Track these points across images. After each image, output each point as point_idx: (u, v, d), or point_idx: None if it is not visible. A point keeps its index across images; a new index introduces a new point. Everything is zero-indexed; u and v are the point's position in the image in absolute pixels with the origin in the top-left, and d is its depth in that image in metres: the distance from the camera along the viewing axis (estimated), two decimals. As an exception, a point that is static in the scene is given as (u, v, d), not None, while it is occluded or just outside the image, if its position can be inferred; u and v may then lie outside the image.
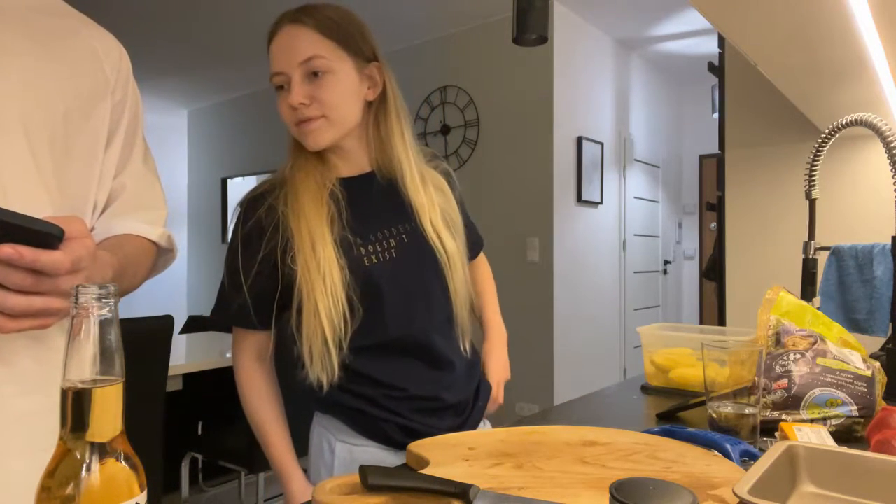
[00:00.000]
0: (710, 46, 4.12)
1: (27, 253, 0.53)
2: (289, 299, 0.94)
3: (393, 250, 0.97)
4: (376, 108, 1.00)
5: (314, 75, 0.92)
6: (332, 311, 0.90)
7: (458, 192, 1.11)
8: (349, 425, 0.98)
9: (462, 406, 1.03)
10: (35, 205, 0.68)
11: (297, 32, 0.92)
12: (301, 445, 1.03)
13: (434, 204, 1.02)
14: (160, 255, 0.89)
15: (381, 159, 1.01)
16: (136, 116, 0.85)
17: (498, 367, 1.14)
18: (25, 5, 0.73)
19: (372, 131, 1.01)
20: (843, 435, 0.85)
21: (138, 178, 0.85)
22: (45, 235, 0.54)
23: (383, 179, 1.01)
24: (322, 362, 0.92)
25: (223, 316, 0.99)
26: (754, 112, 2.05)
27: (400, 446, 0.95)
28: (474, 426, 1.05)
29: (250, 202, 0.99)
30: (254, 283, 0.95)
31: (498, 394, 1.11)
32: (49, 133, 0.71)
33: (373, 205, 0.99)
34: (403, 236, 0.99)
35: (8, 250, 0.52)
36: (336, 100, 0.93)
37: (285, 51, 0.92)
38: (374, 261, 0.95)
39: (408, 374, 0.97)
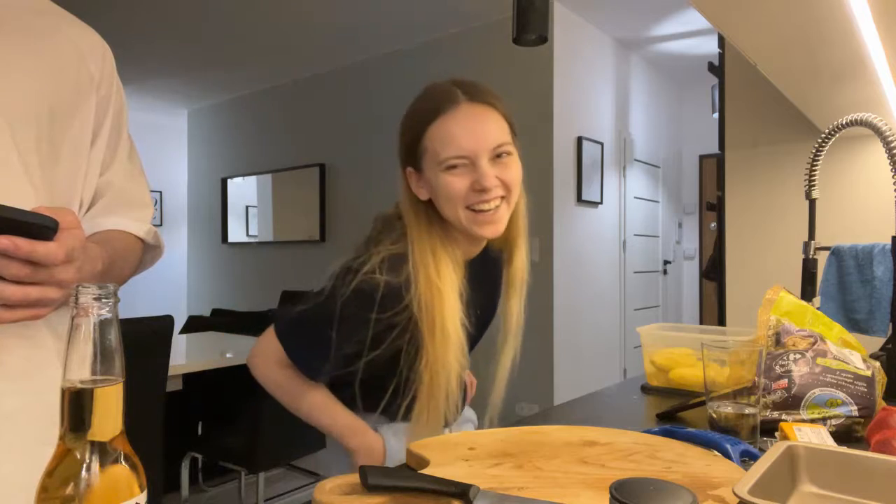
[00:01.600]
0: (710, 46, 4.11)
1: (23, 244, 0.55)
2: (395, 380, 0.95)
3: (473, 326, 0.98)
4: None
5: (499, 157, 0.92)
6: (458, 386, 0.94)
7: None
8: (383, 414, 1.01)
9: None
10: (22, 202, 0.68)
11: (485, 111, 0.92)
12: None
13: (520, 312, 1.06)
14: (146, 251, 0.90)
15: (497, 240, 1.01)
16: (120, 113, 0.85)
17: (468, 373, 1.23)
18: (5, 3, 0.73)
19: None
20: (843, 435, 0.85)
21: (124, 176, 0.86)
22: (39, 227, 0.56)
23: (490, 252, 1.05)
24: (454, 408, 0.96)
25: (305, 365, 0.96)
26: (754, 112, 2.05)
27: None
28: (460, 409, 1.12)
29: (391, 290, 0.90)
30: (342, 359, 0.94)
31: (473, 385, 1.26)
32: (35, 131, 0.71)
33: (474, 279, 0.98)
34: (479, 310, 1.02)
35: (4, 242, 0.54)
36: (517, 179, 0.94)
37: (475, 129, 0.90)
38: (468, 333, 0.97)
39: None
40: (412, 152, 0.95)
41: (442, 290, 0.91)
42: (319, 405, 0.99)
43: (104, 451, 0.40)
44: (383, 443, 0.98)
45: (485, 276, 1.04)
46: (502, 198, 0.92)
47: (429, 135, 0.92)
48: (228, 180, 5.96)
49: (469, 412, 1.24)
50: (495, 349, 1.08)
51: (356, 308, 0.90)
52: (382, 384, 0.97)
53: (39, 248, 0.56)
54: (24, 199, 0.69)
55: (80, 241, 0.62)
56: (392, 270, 0.90)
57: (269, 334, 0.99)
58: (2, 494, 0.64)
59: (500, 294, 1.07)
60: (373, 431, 1.00)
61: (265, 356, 1.00)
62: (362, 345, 0.93)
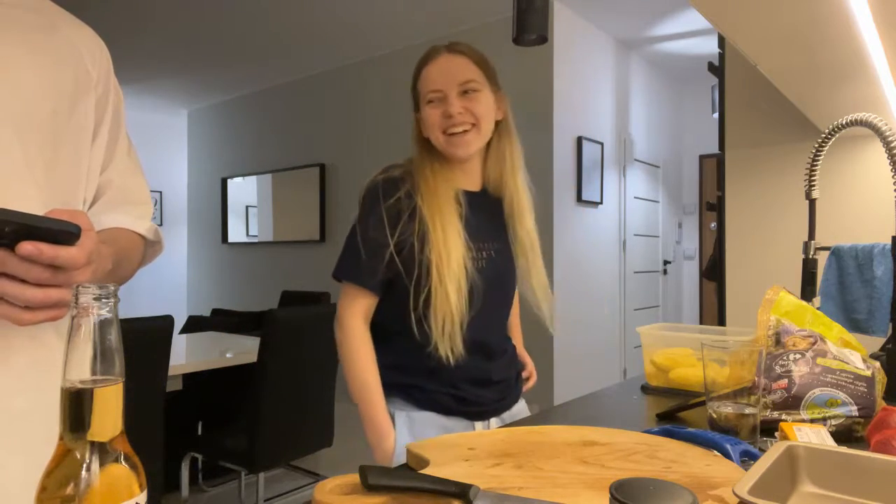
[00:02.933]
0: (710, 46, 4.12)
1: (47, 250, 0.57)
2: (419, 281, 1.09)
3: (484, 261, 1.15)
4: (499, 129, 1.19)
5: (466, 93, 1.11)
6: (460, 297, 1.07)
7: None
8: (404, 399, 1.14)
9: (505, 385, 1.22)
10: (26, 202, 0.68)
11: (458, 58, 1.13)
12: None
13: (535, 235, 1.21)
14: (147, 247, 0.90)
15: (492, 177, 1.19)
16: (118, 111, 0.85)
17: (529, 361, 1.36)
18: (1, 1, 0.73)
19: (492, 149, 1.19)
20: (843, 435, 0.85)
21: (124, 173, 0.86)
22: (63, 233, 0.58)
23: (491, 197, 1.20)
24: (451, 340, 1.07)
25: (352, 275, 1.12)
26: (754, 112, 2.05)
27: (453, 412, 1.14)
28: (515, 401, 1.25)
29: (388, 182, 1.12)
30: (378, 259, 1.09)
31: (533, 377, 1.35)
32: (38, 130, 0.71)
33: (479, 219, 1.16)
34: (492, 252, 1.17)
35: (29, 247, 0.56)
36: (483, 111, 1.12)
37: (448, 70, 1.12)
38: (481, 266, 1.13)
39: (466, 360, 1.11)
40: (414, 98, 1.18)
41: (438, 191, 1.10)
42: (367, 384, 1.10)
43: (104, 451, 0.40)
44: (393, 449, 1.08)
45: (487, 216, 1.19)
46: (473, 125, 1.11)
47: (419, 80, 1.15)
48: (228, 180, 5.96)
49: (522, 405, 1.28)
50: (527, 276, 1.23)
51: (368, 207, 1.11)
52: (408, 292, 1.11)
53: (62, 253, 0.58)
54: (28, 198, 0.69)
55: (95, 243, 0.64)
56: (387, 171, 1.14)
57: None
58: (11, 493, 0.64)
59: (508, 239, 1.20)
60: (391, 437, 1.09)
61: (340, 308, 1.14)
62: (384, 235, 1.09)
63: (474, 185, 1.20)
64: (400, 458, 1.04)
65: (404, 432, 1.10)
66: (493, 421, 1.20)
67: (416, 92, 1.17)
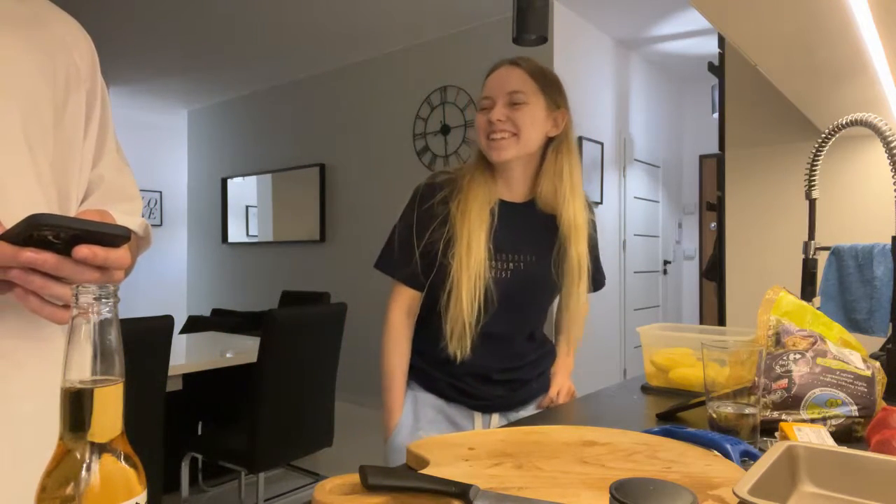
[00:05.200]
0: (710, 46, 4.12)
1: (100, 252, 0.59)
2: (441, 282, 1.18)
3: (509, 272, 1.20)
4: (556, 145, 1.22)
5: (514, 104, 1.16)
6: (472, 303, 1.14)
7: (594, 237, 1.32)
8: (415, 381, 1.27)
9: (516, 384, 1.27)
10: (30, 197, 0.68)
11: (512, 70, 1.19)
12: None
13: (585, 261, 1.23)
14: (141, 243, 0.90)
15: (545, 191, 1.22)
16: (106, 106, 0.85)
17: (560, 380, 1.36)
18: None
19: (547, 164, 1.22)
20: (843, 435, 0.85)
21: (114, 169, 0.86)
22: (115, 237, 0.61)
23: (541, 210, 1.23)
24: (459, 340, 1.16)
25: (393, 271, 1.23)
26: (754, 112, 2.05)
27: (453, 400, 1.24)
28: (525, 403, 1.29)
29: (428, 188, 1.22)
30: (414, 256, 1.19)
31: (559, 396, 1.34)
32: (39, 122, 0.70)
33: (515, 230, 1.21)
34: (521, 265, 1.21)
35: (85, 251, 0.58)
36: (526, 122, 1.16)
37: (500, 80, 1.18)
38: (491, 276, 1.18)
39: (472, 357, 1.18)
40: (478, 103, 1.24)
41: (471, 199, 1.17)
42: (392, 371, 1.23)
43: (104, 451, 0.40)
44: (393, 428, 1.22)
45: (527, 227, 1.23)
46: (513, 133, 1.16)
47: (482, 89, 1.22)
48: (228, 180, 5.96)
49: (531, 409, 1.31)
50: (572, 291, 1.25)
51: (407, 209, 1.23)
52: (434, 289, 1.21)
53: (112, 255, 0.60)
54: (31, 195, 0.69)
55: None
56: (433, 177, 1.24)
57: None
58: (24, 498, 0.64)
59: (553, 255, 1.23)
60: (394, 418, 1.22)
61: (389, 305, 1.25)
62: (413, 237, 1.19)
63: (516, 196, 1.24)
64: (402, 435, 1.20)
65: (408, 407, 1.23)
66: (496, 416, 1.25)
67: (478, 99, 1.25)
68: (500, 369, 1.24)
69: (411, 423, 1.22)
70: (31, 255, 0.56)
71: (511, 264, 1.20)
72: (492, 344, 1.21)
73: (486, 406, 1.25)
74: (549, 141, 1.22)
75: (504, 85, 1.17)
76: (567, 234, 1.21)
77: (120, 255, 0.61)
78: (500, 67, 1.20)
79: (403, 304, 1.24)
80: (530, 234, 1.23)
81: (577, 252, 1.21)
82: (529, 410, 1.30)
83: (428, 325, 1.25)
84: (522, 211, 1.23)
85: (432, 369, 1.23)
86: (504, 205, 1.21)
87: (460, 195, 1.18)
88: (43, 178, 0.71)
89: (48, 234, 0.55)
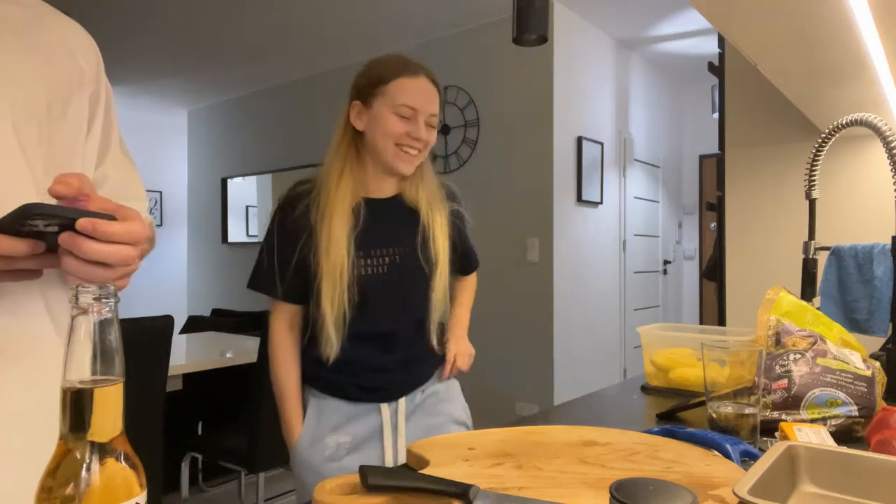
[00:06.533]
0: (710, 46, 4.12)
1: (101, 224, 0.59)
2: (312, 289, 1.19)
3: (385, 267, 1.22)
4: None
5: (430, 127, 1.23)
6: (333, 303, 1.16)
7: (465, 225, 1.36)
8: (315, 387, 1.27)
9: (412, 365, 1.28)
10: (23, 198, 0.68)
11: (433, 90, 1.24)
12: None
13: (446, 240, 1.26)
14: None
15: (409, 189, 1.27)
16: (109, 107, 0.85)
17: (453, 345, 1.36)
18: None
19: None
20: (843, 435, 0.85)
21: (120, 168, 0.86)
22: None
23: (406, 206, 1.27)
24: (326, 342, 1.18)
25: (266, 289, 1.25)
26: (754, 112, 2.05)
27: (358, 399, 1.24)
28: (426, 379, 1.31)
29: (288, 202, 1.24)
30: (284, 271, 1.22)
31: (456, 360, 1.34)
32: (35, 126, 0.70)
33: (382, 226, 1.23)
34: (396, 257, 1.24)
35: (85, 222, 0.58)
36: (431, 143, 1.24)
37: (426, 96, 1.21)
38: (368, 272, 1.20)
39: (366, 354, 1.23)
40: (369, 90, 1.22)
41: (333, 203, 1.18)
42: (282, 381, 1.25)
43: (104, 451, 0.40)
44: (295, 443, 1.23)
45: (397, 221, 1.26)
46: (419, 150, 1.22)
47: (393, 83, 1.20)
48: (228, 180, 5.95)
49: (457, 410, 1.34)
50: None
51: (271, 225, 1.25)
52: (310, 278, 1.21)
53: (115, 228, 0.60)
54: (27, 196, 0.69)
55: (143, 226, 0.67)
56: (293, 189, 1.25)
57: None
58: (15, 495, 0.64)
59: (420, 244, 1.25)
60: (295, 434, 1.23)
61: (270, 319, 1.27)
62: (280, 251, 1.21)
63: (384, 192, 1.27)
64: (304, 448, 1.22)
65: (312, 417, 1.24)
66: (402, 400, 1.27)
67: (378, 90, 1.21)
68: (395, 360, 1.25)
69: (312, 436, 1.22)
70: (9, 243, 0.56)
71: (387, 258, 1.23)
72: (381, 337, 1.23)
73: (390, 395, 1.26)
74: None
75: (429, 105, 1.21)
76: (428, 228, 1.26)
77: (127, 229, 0.61)
78: (420, 77, 1.23)
79: (284, 318, 1.25)
80: (401, 227, 1.25)
81: (437, 240, 1.26)
82: (433, 383, 1.32)
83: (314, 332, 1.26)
84: (389, 206, 1.26)
85: (331, 374, 1.23)
86: (371, 202, 1.24)
87: (323, 200, 1.20)
88: (39, 181, 0.70)
89: (40, 222, 0.55)
